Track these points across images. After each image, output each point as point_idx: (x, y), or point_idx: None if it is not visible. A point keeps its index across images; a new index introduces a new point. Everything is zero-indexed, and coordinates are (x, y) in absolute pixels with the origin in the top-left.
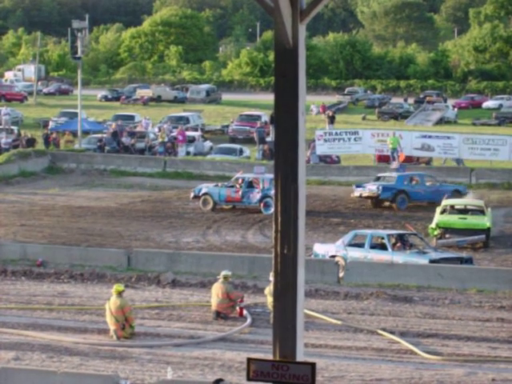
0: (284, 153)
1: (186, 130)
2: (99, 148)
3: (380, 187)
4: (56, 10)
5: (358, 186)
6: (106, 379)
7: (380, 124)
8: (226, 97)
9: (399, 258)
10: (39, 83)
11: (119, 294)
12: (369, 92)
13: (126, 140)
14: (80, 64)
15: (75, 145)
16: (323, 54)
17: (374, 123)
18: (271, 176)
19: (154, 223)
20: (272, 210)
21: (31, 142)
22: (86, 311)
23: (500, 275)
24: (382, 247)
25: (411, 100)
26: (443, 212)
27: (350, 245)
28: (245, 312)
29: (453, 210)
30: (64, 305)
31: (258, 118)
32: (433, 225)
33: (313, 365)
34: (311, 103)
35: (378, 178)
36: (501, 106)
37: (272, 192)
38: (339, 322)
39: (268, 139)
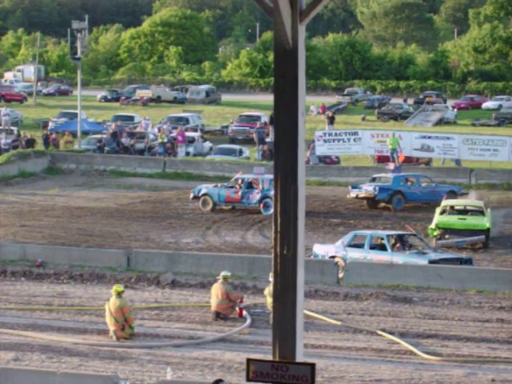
0: (284, 153)
1: (186, 130)
2: (99, 148)
3: (377, 188)
4: (56, 11)
5: (353, 187)
6: (106, 380)
7: (380, 125)
8: (226, 97)
9: (399, 258)
10: (39, 84)
11: (119, 294)
12: (368, 93)
13: (125, 140)
14: (79, 65)
15: (75, 145)
16: (323, 54)
17: (374, 124)
18: (271, 176)
19: (154, 224)
20: (271, 210)
21: (31, 142)
22: (86, 312)
23: (499, 276)
24: (382, 248)
25: (411, 101)
26: (443, 212)
27: (350, 245)
28: (244, 313)
29: (452, 210)
30: (64, 305)
31: (258, 118)
32: (432, 225)
33: (312, 365)
34: (311, 104)
35: (373, 179)
36: (500, 106)
37: (272, 192)
38: (339, 323)
39: (268, 140)
